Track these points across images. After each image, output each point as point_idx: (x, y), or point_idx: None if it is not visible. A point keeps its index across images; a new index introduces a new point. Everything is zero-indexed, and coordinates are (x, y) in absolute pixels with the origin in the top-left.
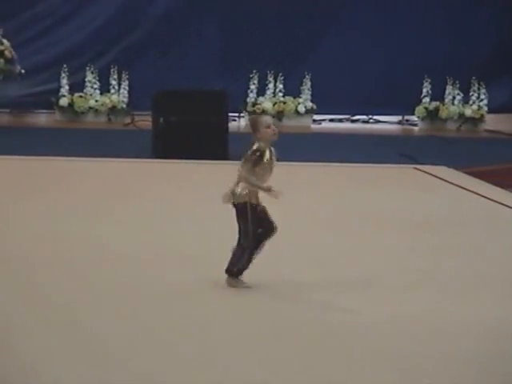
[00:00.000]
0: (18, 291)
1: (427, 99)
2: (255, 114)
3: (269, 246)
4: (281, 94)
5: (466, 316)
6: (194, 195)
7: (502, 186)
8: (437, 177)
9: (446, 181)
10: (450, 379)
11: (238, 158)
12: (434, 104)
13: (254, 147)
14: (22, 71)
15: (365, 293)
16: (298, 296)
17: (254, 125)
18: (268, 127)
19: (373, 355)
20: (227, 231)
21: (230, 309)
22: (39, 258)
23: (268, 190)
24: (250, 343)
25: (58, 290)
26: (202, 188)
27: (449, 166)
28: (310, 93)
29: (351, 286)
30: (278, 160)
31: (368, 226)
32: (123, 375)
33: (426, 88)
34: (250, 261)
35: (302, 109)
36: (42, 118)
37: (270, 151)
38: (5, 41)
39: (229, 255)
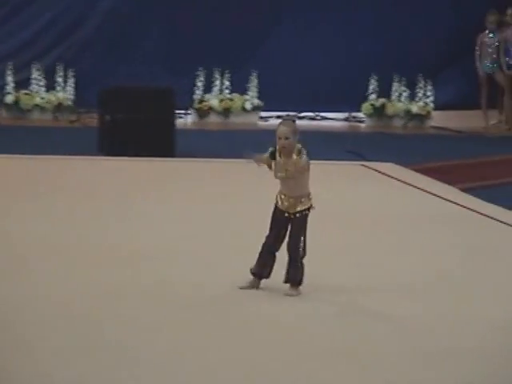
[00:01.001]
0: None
1: (374, 96)
2: (288, 119)
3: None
4: (227, 91)
5: (425, 315)
6: (142, 192)
7: (449, 183)
8: (384, 173)
9: (394, 177)
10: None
11: (184, 155)
12: (381, 101)
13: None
14: None
15: (314, 293)
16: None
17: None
18: (279, 138)
19: (322, 352)
20: (180, 229)
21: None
22: None
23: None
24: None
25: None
26: (150, 185)
27: (396, 163)
28: (256, 90)
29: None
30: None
31: (314, 223)
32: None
33: (373, 85)
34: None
35: (248, 106)
36: None
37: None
38: None
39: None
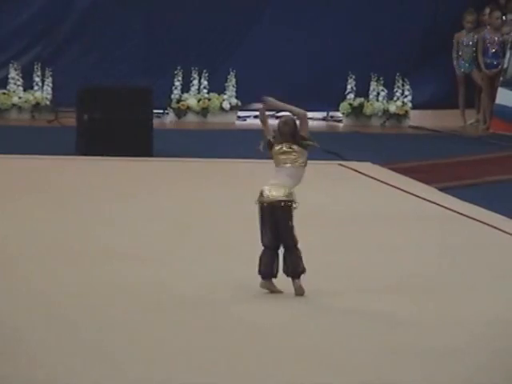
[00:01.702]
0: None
1: (351, 95)
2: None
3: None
4: (205, 91)
5: (398, 313)
6: (118, 192)
7: (427, 182)
8: (362, 173)
9: (371, 177)
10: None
11: (161, 155)
12: (359, 100)
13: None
14: None
15: (290, 291)
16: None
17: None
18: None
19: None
20: (155, 229)
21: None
22: None
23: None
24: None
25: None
26: (127, 185)
27: (373, 162)
28: (234, 89)
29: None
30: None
31: (304, 224)
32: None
33: (351, 84)
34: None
35: (226, 105)
36: None
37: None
38: None
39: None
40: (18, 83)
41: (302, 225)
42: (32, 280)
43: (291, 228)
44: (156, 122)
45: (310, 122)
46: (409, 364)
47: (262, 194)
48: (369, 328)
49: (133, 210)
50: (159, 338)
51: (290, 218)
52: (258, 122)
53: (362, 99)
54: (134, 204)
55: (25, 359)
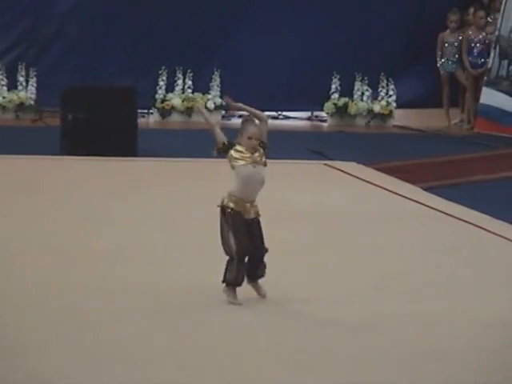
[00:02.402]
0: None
1: (336, 95)
2: (247, 117)
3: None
4: (190, 91)
5: (377, 313)
6: (102, 192)
7: (411, 182)
8: (346, 173)
9: (356, 177)
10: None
11: (146, 155)
12: (343, 100)
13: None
14: None
15: (274, 290)
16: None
17: (241, 128)
18: (250, 138)
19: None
20: (140, 229)
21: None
22: None
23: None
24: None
25: None
26: (111, 185)
27: (358, 162)
28: (219, 89)
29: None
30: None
31: (277, 223)
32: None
33: (335, 84)
34: None
35: (211, 105)
36: None
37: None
38: None
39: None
40: (2, 83)
41: (285, 224)
42: (24, 280)
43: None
44: (140, 121)
45: (295, 122)
46: (402, 365)
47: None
48: (359, 329)
49: (118, 210)
50: (151, 337)
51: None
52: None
53: (347, 99)
54: (119, 204)
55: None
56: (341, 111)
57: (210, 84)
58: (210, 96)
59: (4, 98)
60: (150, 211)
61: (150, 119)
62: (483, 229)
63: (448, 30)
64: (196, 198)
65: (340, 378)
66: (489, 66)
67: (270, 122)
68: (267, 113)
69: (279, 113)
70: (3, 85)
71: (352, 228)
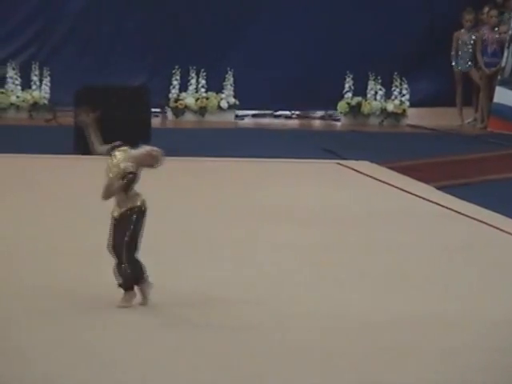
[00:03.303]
0: None
1: (349, 94)
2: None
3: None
4: (203, 90)
5: (393, 312)
6: None
7: (424, 181)
8: (359, 172)
9: (369, 176)
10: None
11: None
12: (356, 99)
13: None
14: None
15: (288, 290)
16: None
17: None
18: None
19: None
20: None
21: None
22: None
23: None
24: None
25: None
26: None
27: (371, 161)
28: (232, 88)
29: (274, 283)
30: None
31: (289, 222)
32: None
33: (348, 83)
34: None
35: (224, 104)
36: None
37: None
38: None
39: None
40: (16, 82)
41: (298, 224)
42: (26, 277)
43: None
44: (154, 121)
45: (308, 121)
46: (407, 364)
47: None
48: (366, 327)
49: None
50: (147, 336)
51: None
52: (255, 121)
53: (360, 98)
54: None
55: (17, 357)
56: (354, 110)
57: (224, 83)
58: (223, 95)
59: (18, 97)
60: (163, 210)
61: (163, 118)
62: (496, 228)
63: (463, 29)
64: (209, 196)
65: (347, 377)
66: (502, 65)
67: (284, 121)
68: (280, 112)
69: (292, 112)
70: (17, 84)
71: (364, 227)
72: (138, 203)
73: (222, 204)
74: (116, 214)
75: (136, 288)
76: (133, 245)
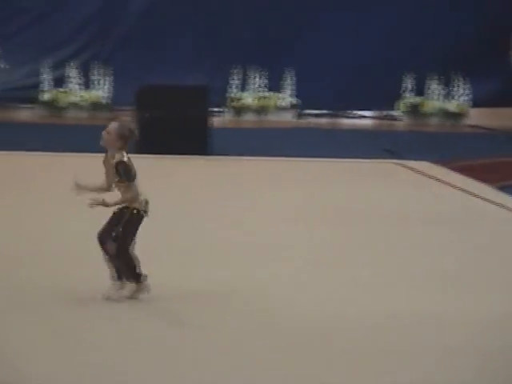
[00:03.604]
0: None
1: (409, 94)
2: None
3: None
4: (263, 89)
5: (464, 312)
6: (176, 190)
7: (484, 181)
8: (419, 172)
9: (429, 176)
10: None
11: (219, 153)
12: (417, 99)
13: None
14: (6, 66)
15: (352, 290)
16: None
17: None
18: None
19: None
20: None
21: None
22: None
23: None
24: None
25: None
26: (186, 183)
27: (431, 162)
28: (292, 88)
29: (339, 283)
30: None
31: (353, 222)
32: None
33: (408, 83)
34: None
35: (284, 104)
36: (23, 113)
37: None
38: None
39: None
40: (77, 81)
41: (361, 224)
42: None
43: None
44: (213, 120)
45: (367, 121)
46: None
47: (147, 203)
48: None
49: (190, 210)
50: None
51: None
52: (315, 121)
53: (420, 98)
54: (191, 203)
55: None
56: (414, 110)
57: (284, 83)
58: (283, 95)
59: (79, 96)
60: (221, 210)
61: (223, 118)
62: None
63: None
64: (267, 197)
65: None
66: None
67: (343, 120)
68: (339, 111)
69: (352, 111)
70: (78, 83)
71: (425, 228)
72: (136, 205)
73: (287, 204)
74: (116, 208)
75: (132, 284)
76: (123, 243)
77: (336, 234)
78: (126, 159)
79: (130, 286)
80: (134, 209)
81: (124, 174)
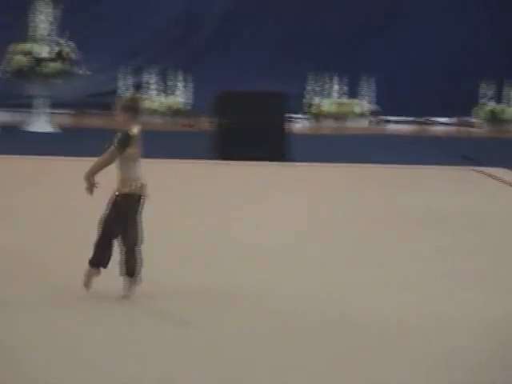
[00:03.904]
0: None
1: (488, 101)
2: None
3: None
4: (342, 95)
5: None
6: (250, 196)
7: None
8: (498, 178)
9: (508, 183)
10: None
11: (297, 160)
12: (494, 106)
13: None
14: (87, 72)
15: (420, 292)
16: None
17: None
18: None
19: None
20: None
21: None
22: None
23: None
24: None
25: None
26: (261, 189)
27: (510, 168)
28: (371, 94)
29: (402, 285)
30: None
31: (411, 227)
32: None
33: (486, 90)
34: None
35: (363, 110)
36: (101, 120)
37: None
38: (70, 43)
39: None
40: (158, 88)
41: (427, 228)
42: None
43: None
44: (291, 126)
45: (446, 128)
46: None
47: (142, 187)
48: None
49: (263, 215)
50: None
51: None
52: (394, 127)
53: (498, 104)
54: (263, 209)
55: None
56: (493, 117)
57: (363, 89)
58: (362, 101)
59: (158, 102)
60: (294, 216)
61: (300, 124)
62: None
63: None
64: (345, 201)
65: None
66: None
67: (423, 127)
68: (419, 118)
69: (431, 118)
70: (160, 90)
71: (502, 235)
72: (133, 189)
73: (362, 209)
74: (117, 192)
75: (127, 280)
76: (127, 229)
77: (421, 241)
78: (131, 132)
79: (124, 283)
80: (119, 195)
81: (118, 140)
